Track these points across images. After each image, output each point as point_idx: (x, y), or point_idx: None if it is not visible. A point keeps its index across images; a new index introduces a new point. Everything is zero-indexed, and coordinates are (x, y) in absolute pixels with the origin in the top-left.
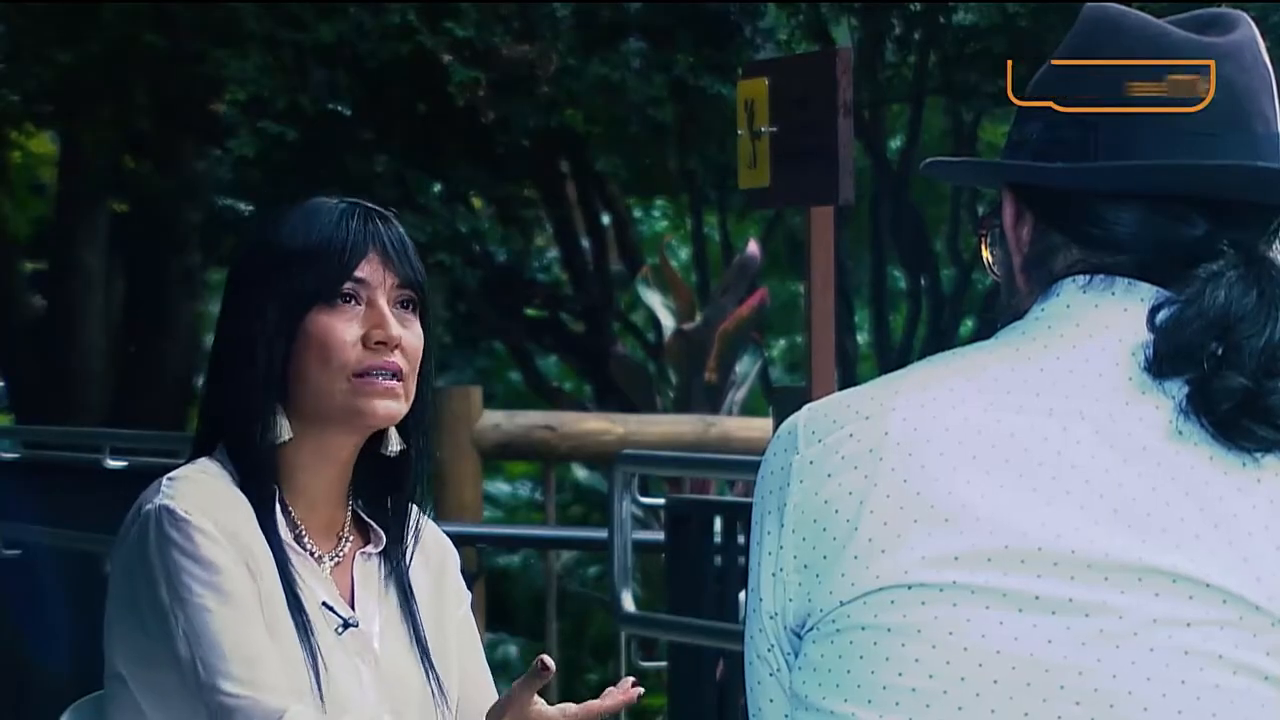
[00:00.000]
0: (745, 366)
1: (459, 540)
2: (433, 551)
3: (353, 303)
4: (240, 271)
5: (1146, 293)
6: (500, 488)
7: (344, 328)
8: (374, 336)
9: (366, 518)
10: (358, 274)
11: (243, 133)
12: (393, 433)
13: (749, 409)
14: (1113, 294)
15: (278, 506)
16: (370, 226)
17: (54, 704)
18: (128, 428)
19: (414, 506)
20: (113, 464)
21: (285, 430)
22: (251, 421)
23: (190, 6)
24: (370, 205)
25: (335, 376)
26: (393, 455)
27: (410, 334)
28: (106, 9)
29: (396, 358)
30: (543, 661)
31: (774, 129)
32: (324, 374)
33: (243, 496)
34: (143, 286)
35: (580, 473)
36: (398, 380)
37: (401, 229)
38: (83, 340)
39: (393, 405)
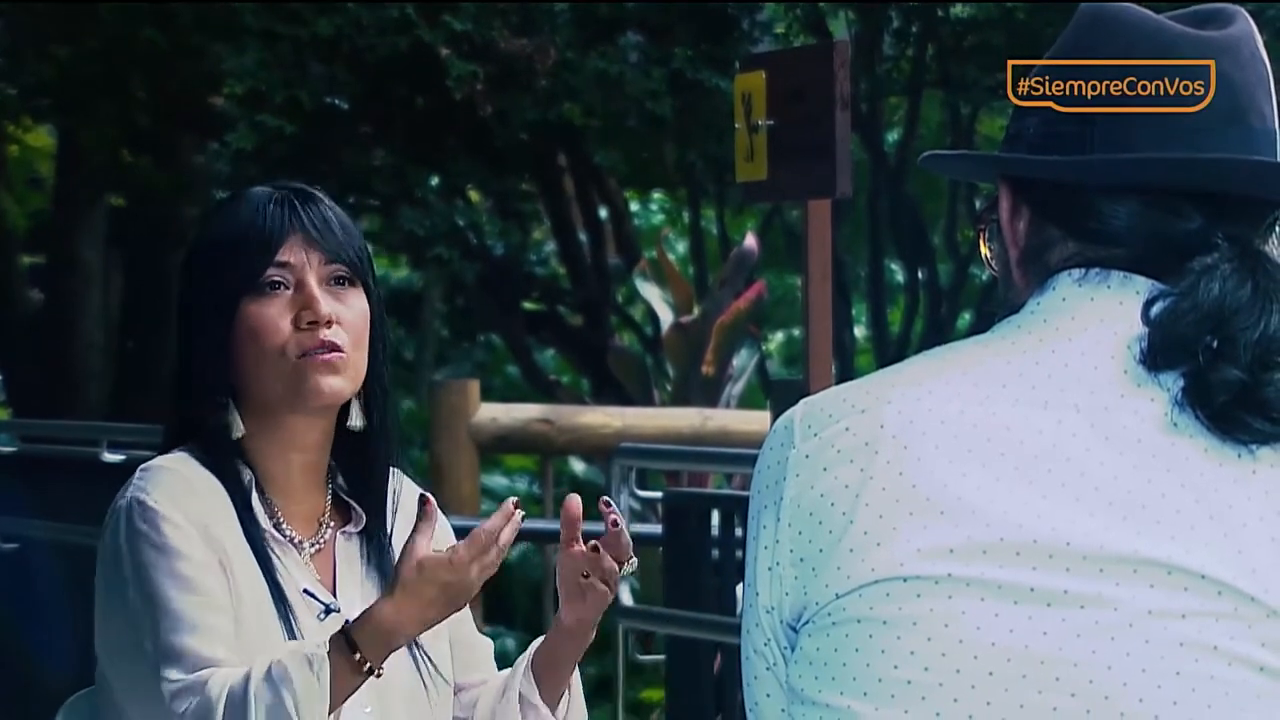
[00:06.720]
0: (743, 360)
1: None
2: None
3: (281, 288)
4: (182, 271)
5: (1141, 286)
6: (498, 481)
7: (274, 314)
8: (304, 318)
9: (347, 498)
10: (280, 258)
11: (241, 127)
12: (355, 407)
13: (746, 402)
14: (1108, 287)
15: (255, 494)
16: (290, 210)
17: (52, 698)
18: (125, 422)
19: (396, 474)
20: (110, 458)
21: (237, 427)
22: (207, 419)
23: (189, 2)
24: (296, 187)
25: (273, 362)
26: (357, 430)
27: (346, 309)
28: (105, 5)
29: (333, 335)
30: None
31: (771, 122)
32: (262, 362)
33: (218, 485)
34: (141, 281)
35: (578, 466)
36: (338, 354)
37: (329, 207)
38: (81, 335)
39: (334, 380)
